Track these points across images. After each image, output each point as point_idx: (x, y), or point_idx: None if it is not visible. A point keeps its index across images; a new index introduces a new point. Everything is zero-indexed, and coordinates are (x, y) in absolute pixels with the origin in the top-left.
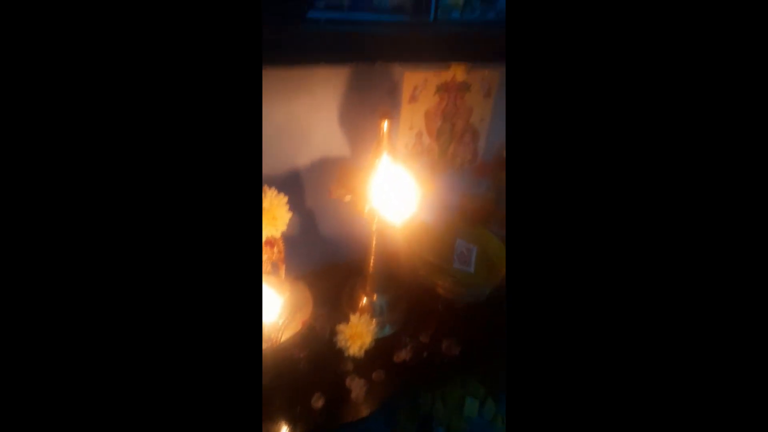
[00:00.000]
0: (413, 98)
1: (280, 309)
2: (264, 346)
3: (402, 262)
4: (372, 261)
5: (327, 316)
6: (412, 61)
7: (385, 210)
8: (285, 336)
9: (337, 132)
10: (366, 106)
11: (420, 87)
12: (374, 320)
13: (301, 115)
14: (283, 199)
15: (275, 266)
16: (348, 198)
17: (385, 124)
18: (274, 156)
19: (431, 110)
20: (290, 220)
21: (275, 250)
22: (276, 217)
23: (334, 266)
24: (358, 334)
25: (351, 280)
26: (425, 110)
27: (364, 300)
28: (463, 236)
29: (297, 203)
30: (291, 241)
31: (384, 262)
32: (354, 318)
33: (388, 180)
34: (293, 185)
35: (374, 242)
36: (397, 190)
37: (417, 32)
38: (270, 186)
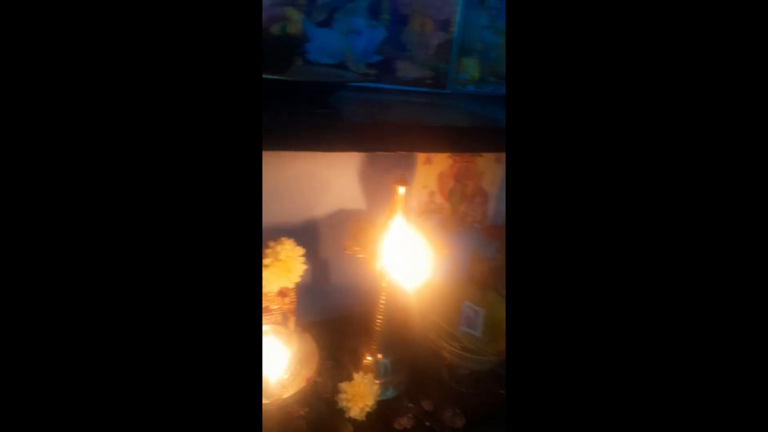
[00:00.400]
0: (428, 160)
1: (287, 363)
2: (266, 401)
3: (408, 322)
4: (380, 317)
5: (330, 372)
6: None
7: (397, 273)
8: (289, 392)
9: (354, 187)
10: (382, 165)
11: None
12: (377, 381)
13: (321, 169)
14: (299, 251)
15: (285, 316)
16: (362, 255)
17: (401, 190)
18: (294, 206)
19: (444, 172)
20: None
21: (287, 300)
22: (291, 269)
23: (340, 318)
24: (361, 394)
25: (356, 335)
26: (439, 172)
27: (368, 358)
28: (471, 298)
29: (311, 252)
30: (300, 289)
31: (391, 319)
32: (357, 377)
33: (400, 243)
34: (309, 235)
35: (383, 300)
36: (410, 255)
37: (433, 111)
38: (288, 234)
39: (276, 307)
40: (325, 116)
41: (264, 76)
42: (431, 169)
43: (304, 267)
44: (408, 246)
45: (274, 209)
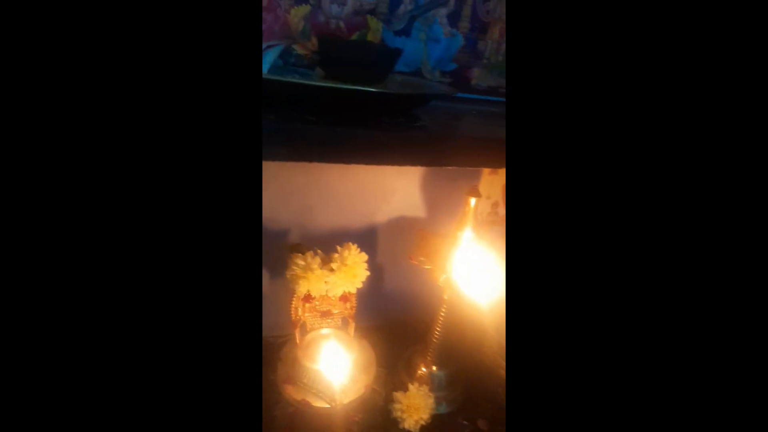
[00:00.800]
0: (494, 170)
1: (347, 368)
2: (328, 405)
3: (466, 335)
4: (438, 330)
5: (383, 380)
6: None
7: (467, 288)
8: (348, 398)
9: (416, 195)
10: (447, 174)
11: None
12: (432, 394)
13: (385, 176)
14: (363, 257)
15: (345, 321)
16: (428, 266)
17: (473, 202)
18: (355, 210)
19: None
20: None
21: (348, 305)
22: (355, 275)
23: (395, 325)
24: (415, 406)
25: (411, 344)
26: (504, 182)
27: (422, 369)
28: None
29: (369, 257)
30: (358, 292)
31: (448, 332)
32: (413, 388)
33: (472, 257)
34: (369, 239)
35: (443, 312)
36: (483, 271)
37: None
38: (348, 239)
39: (337, 311)
40: (424, 129)
41: (360, 87)
42: (497, 179)
43: (367, 273)
44: (481, 261)
45: (335, 214)
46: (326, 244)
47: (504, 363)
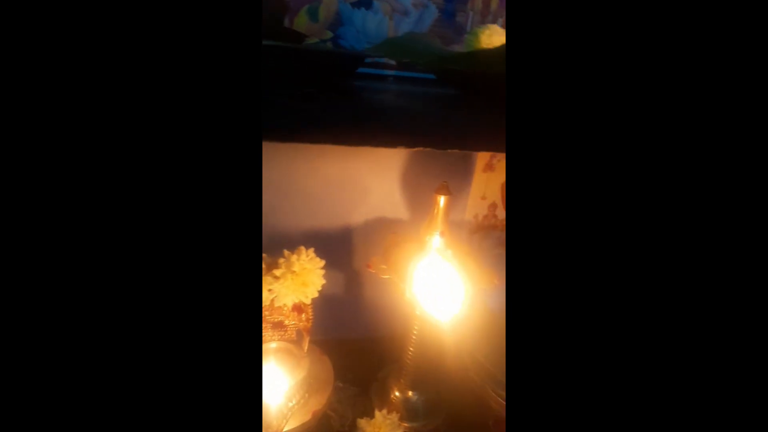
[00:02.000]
0: (489, 167)
1: (293, 389)
2: None
3: (449, 358)
4: (411, 349)
5: (350, 401)
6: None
7: (427, 301)
8: (290, 425)
9: (397, 194)
10: (433, 171)
11: (500, 156)
12: (405, 424)
13: (359, 172)
14: (317, 263)
15: (299, 334)
16: (387, 275)
17: (442, 201)
18: (327, 210)
19: None
20: (333, 277)
21: (303, 317)
22: (306, 283)
23: (370, 340)
24: None
25: (385, 363)
26: (503, 181)
27: (396, 394)
28: None
29: (344, 262)
30: (328, 300)
31: (425, 351)
32: (380, 415)
33: (434, 266)
34: (343, 243)
35: (416, 330)
36: (444, 282)
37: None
38: (319, 242)
39: (293, 323)
40: (309, 98)
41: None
42: (493, 177)
43: (323, 281)
44: (442, 271)
45: (303, 214)
46: (293, 249)
47: (493, 393)
